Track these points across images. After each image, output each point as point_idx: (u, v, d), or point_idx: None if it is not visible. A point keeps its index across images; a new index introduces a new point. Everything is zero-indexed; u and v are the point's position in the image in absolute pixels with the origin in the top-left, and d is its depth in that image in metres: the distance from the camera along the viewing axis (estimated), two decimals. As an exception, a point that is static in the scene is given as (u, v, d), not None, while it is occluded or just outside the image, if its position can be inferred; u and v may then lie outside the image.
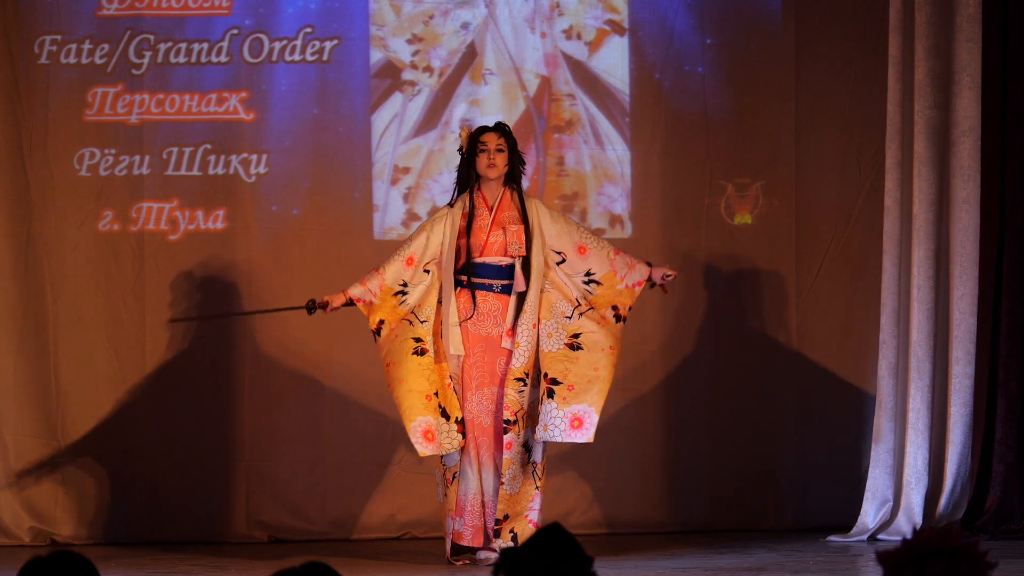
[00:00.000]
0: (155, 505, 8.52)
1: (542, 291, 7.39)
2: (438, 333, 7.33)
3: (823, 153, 8.80)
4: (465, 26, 8.75)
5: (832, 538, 8.20)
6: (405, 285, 7.35)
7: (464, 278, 7.34)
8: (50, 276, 8.54)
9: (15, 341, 8.51)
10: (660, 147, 8.77)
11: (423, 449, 7.20)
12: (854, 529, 8.20)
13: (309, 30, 8.66)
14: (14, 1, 8.53)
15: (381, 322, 7.33)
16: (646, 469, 8.73)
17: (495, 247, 7.37)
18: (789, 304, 8.80)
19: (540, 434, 7.27)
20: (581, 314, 7.37)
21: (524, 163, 7.55)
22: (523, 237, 7.36)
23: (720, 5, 8.80)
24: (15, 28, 8.53)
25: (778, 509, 8.74)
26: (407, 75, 8.71)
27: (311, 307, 7.39)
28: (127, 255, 8.59)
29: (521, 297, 7.35)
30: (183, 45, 8.63)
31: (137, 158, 8.60)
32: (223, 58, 8.64)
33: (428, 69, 8.72)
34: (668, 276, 7.45)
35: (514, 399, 7.31)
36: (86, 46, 8.59)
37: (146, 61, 8.61)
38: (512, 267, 7.37)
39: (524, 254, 7.36)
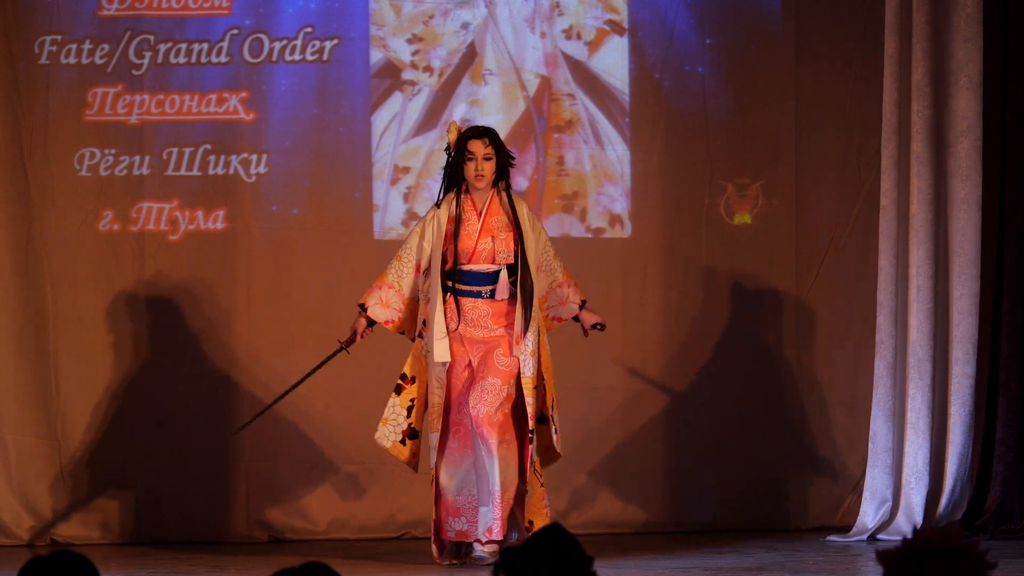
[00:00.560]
0: (155, 505, 8.51)
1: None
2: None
3: (823, 153, 8.79)
4: (465, 26, 8.74)
5: (832, 538, 8.20)
6: (417, 292, 7.40)
7: (450, 283, 7.30)
8: (50, 276, 8.53)
9: (15, 341, 8.50)
10: (660, 147, 8.77)
11: (378, 433, 7.38)
12: (854, 529, 8.20)
13: (309, 30, 8.66)
14: (14, 1, 8.52)
15: (423, 323, 7.36)
16: (646, 468, 8.73)
17: (483, 254, 7.32)
18: (789, 304, 8.79)
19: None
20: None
21: (514, 159, 7.47)
22: (511, 245, 7.32)
23: (720, 5, 8.80)
24: (15, 28, 8.52)
25: (778, 509, 8.73)
26: (407, 75, 8.71)
27: (344, 347, 7.43)
28: (127, 255, 8.58)
29: (529, 302, 7.29)
30: (183, 45, 8.63)
31: (137, 158, 8.60)
32: (223, 58, 8.63)
33: (428, 69, 8.72)
34: (597, 326, 7.45)
35: (532, 404, 7.28)
36: (86, 46, 8.58)
37: (146, 61, 8.61)
38: (499, 273, 7.34)
39: (512, 262, 7.32)
